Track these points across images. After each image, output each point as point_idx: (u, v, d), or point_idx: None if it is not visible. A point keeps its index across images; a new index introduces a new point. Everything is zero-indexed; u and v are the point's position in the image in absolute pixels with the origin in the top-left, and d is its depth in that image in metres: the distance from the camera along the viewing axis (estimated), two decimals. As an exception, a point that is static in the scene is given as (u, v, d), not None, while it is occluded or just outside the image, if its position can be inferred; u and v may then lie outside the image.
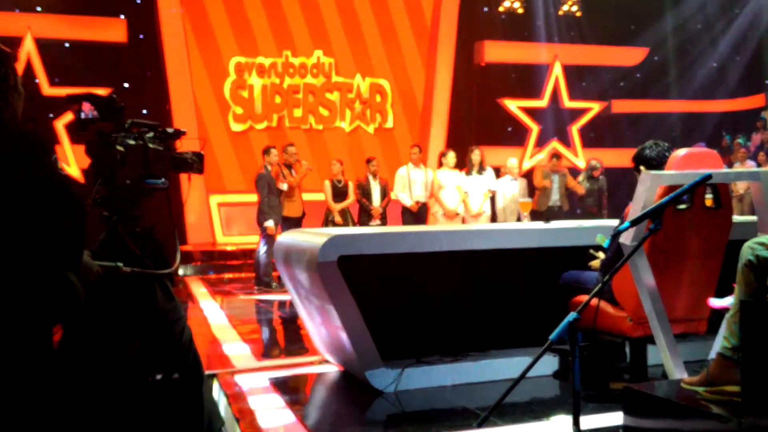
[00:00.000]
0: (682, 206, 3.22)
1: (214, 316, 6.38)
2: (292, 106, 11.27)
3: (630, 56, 12.73)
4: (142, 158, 2.70)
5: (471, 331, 3.99)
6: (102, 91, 2.84)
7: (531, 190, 9.09)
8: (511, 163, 8.78)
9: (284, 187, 7.86)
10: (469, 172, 8.28)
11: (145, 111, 10.02)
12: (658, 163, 3.37)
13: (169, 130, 2.90)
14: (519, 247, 3.96)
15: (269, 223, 7.64)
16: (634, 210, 3.14)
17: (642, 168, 3.39)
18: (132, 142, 2.70)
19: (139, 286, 2.61)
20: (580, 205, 9.29)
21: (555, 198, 9.10)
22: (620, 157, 10.99)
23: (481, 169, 8.34)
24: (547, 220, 4.92)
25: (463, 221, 8.63)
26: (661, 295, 3.17)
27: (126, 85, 10.34)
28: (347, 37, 11.51)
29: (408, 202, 8.16)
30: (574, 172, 10.78)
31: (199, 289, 8.15)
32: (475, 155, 8.28)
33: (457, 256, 3.89)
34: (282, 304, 7.12)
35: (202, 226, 10.66)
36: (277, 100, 11.21)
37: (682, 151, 3.20)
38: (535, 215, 8.82)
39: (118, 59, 10.33)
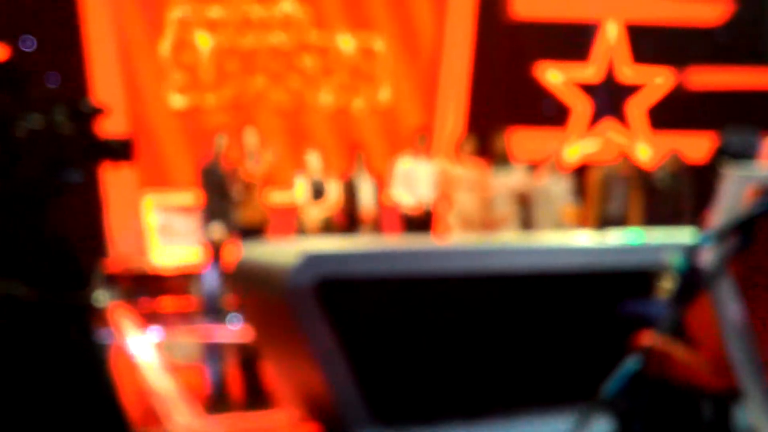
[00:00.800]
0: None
1: (147, 358, 6.37)
2: (252, 74, 11.27)
3: (711, 9, 12.79)
4: (51, 143, 2.71)
5: (497, 382, 4.00)
6: (-2, 54, 2.85)
7: (580, 191, 9.09)
8: (551, 152, 8.80)
9: (238, 192, 7.85)
10: (493, 166, 8.30)
11: (54, 80, 10.01)
12: (744, 155, 3.39)
13: (88, 105, 2.91)
14: (563, 269, 3.96)
15: (214, 230, 7.63)
16: (715, 219, 3.15)
17: (725, 162, 3.41)
18: (37, 121, 2.70)
19: (45, 318, 2.60)
20: (653, 213, 9.17)
21: (617, 204, 9.03)
22: (698, 147, 11.01)
23: (507, 161, 8.35)
24: (601, 231, 4.94)
25: (485, 232, 8.63)
26: (752, 334, 3.18)
27: (29, 44, 10.34)
28: (330, -20, 11.55)
29: (410, 206, 8.18)
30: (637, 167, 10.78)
31: (127, 323, 8.13)
32: (501, 142, 8.31)
33: (478, 280, 3.89)
34: (242, 343, 7.12)
35: (131, 237, 10.64)
36: (233, 65, 11.22)
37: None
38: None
39: (20, 11, 10.33)
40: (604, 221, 8.88)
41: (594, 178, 9.15)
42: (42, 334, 2.60)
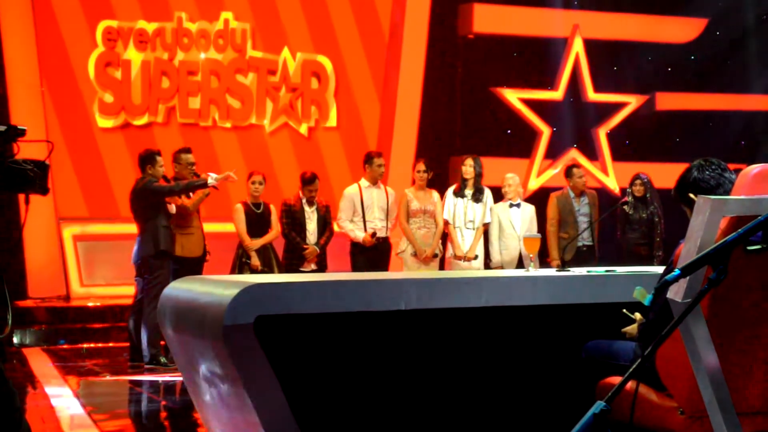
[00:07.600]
0: (755, 247, 3.28)
1: (65, 406, 6.28)
2: (187, 94, 11.23)
3: (682, 29, 13.01)
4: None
5: (452, 426, 3.98)
6: None
7: (541, 221, 9.16)
8: (511, 181, 8.86)
9: (172, 209, 7.80)
10: (460, 193, 8.34)
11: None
12: (713, 188, 3.45)
13: (1, 127, 2.88)
14: (523, 304, 3.98)
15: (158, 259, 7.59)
16: (688, 252, 3.19)
17: (691, 197, 3.46)
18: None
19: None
20: (623, 243, 9.23)
21: (583, 235, 9.08)
22: (669, 176, 11.14)
23: (478, 191, 8.38)
24: (564, 266, 4.97)
25: (445, 266, 8.64)
26: (726, 377, 3.21)
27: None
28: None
29: (359, 235, 8.17)
30: (606, 195, 10.91)
31: (43, 367, 8.01)
32: (470, 168, 8.33)
33: (433, 317, 3.89)
34: (169, 388, 7.04)
35: (49, 271, 10.49)
36: (165, 83, 11.17)
37: (755, 168, 3.27)
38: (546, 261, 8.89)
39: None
40: (575, 256, 8.94)
41: (553, 212, 9.20)
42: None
